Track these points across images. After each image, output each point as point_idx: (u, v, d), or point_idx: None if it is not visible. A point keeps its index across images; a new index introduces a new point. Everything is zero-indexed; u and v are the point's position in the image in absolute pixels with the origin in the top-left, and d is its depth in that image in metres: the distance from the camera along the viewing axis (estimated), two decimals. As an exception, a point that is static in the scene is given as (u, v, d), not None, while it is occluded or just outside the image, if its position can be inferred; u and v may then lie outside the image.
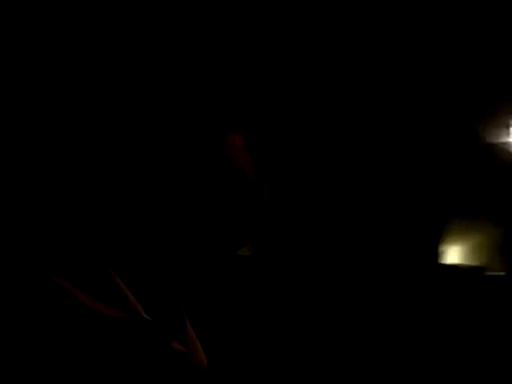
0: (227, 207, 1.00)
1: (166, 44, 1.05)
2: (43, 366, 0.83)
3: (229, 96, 1.03)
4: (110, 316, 0.92)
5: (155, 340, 0.94)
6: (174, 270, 1.03)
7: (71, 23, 1.25)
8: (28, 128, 1.10)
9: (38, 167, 1.06)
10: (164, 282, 1.03)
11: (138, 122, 1.00)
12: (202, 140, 1.00)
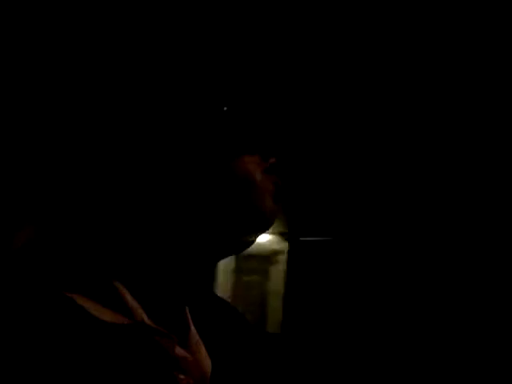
0: (231, 211, 0.99)
1: (176, 51, 1.04)
2: (46, 373, 0.82)
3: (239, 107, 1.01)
4: (113, 323, 0.90)
5: (158, 346, 0.93)
6: (178, 274, 1.01)
7: (71, 23, 1.24)
8: (28, 130, 1.09)
9: (39, 174, 1.05)
10: (168, 286, 1.02)
11: (146, 128, 0.99)
12: (214, 145, 0.98)
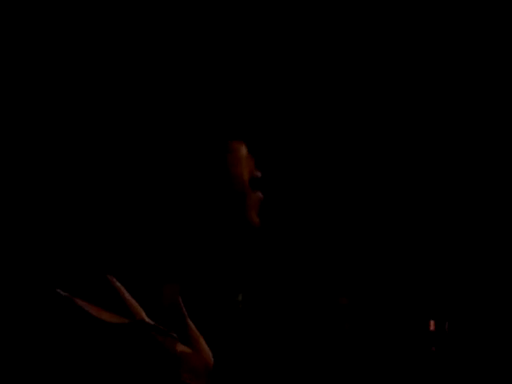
0: (220, 215, 1.00)
1: (169, 47, 1.04)
2: (48, 373, 0.83)
3: (231, 101, 1.02)
4: (113, 323, 0.91)
5: (159, 343, 0.93)
6: (172, 269, 1.02)
7: (71, 23, 1.24)
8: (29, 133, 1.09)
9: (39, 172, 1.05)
10: (162, 280, 1.03)
11: (138, 126, 1.00)
12: (203, 145, 0.99)
